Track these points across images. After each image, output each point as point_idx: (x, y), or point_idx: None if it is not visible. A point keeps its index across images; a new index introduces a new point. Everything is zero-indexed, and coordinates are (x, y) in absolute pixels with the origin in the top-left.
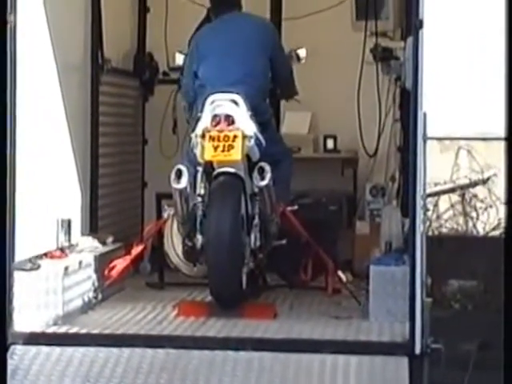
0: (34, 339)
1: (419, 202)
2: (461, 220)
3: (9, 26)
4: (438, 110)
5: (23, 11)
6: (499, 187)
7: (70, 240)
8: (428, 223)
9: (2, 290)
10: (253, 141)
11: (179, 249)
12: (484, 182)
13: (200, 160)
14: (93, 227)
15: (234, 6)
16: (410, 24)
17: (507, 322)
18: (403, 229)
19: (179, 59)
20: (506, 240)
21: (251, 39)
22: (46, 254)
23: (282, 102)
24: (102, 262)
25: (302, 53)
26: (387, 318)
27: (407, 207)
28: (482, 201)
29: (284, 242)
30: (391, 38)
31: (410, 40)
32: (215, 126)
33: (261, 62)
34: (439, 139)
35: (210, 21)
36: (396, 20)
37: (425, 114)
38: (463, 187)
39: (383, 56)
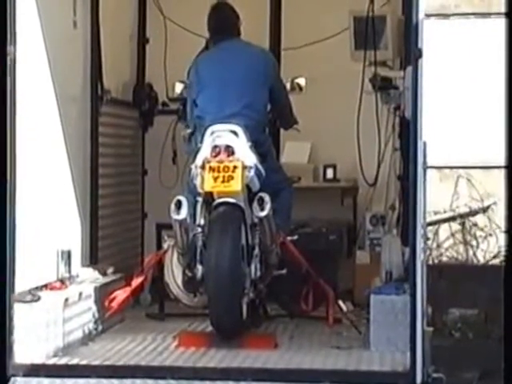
0: (35, 371)
1: (419, 231)
2: (461, 248)
3: (9, 57)
4: (437, 138)
5: (23, 42)
6: (499, 215)
7: (70, 271)
8: (428, 252)
9: (3, 321)
10: (253, 171)
11: (179, 279)
12: (484, 210)
13: (200, 190)
14: (93, 258)
15: (234, 33)
16: (409, 53)
17: (507, 349)
18: (403, 258)
19: (179, 88)
20: (506, 268)
21: (251, 70)
22: (46, 286)
23: (282, 132)
24: (103, 293)
25: (301, 82)
26: (388, 347)
27: (407, 236)
28: (482, 229)
29: (284, 271)
30: (390, 67)
31: (409, 69)
32: (215, 156)
33: (260, 93)
34: (439, 168)
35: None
36: (395, 49)
37: (424, 143)
38: (463, 216)
39: (382, 85)
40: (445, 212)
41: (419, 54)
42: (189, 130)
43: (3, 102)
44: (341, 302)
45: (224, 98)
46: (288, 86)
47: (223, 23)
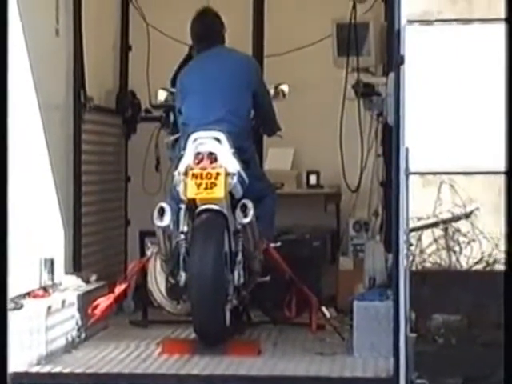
0: (18, 379)
1: (402, 237)
2: (444, 254)
3: None
4: (419, 144)
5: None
6: (482, 221)
7: (53, 279)
8: (411, 258)
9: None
10: (235, 178)
11: (163, 286)
12: (467, 216)
13: (183, 197)
14: (76, 266)
15: (218, 41)
16: (392, 60)
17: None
18: (387, 264)
19: (162, 96)
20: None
21: (234, 76)
22: (28, 294)
23: (265, 138)
24: (86, 301)
25: (285, 88)
26: (371, 353)
27: (390, 242)
28: (465, 235)
29: (267, 278)
30: (373, 73)
31: (391, 75)
32: (198, 163)
33: (244, 99)
34: (421, 174)
35: (191, 58)
36: (378, 56)
37: (407, 149)
38: (446, 221)
39: (365, 92)
40: (428, 218)
41: (401, 61)
42: (172, 137)
43: None
44: (324, 309)
45: (207, 104)
46: (272, 92)
47: (207, 30)
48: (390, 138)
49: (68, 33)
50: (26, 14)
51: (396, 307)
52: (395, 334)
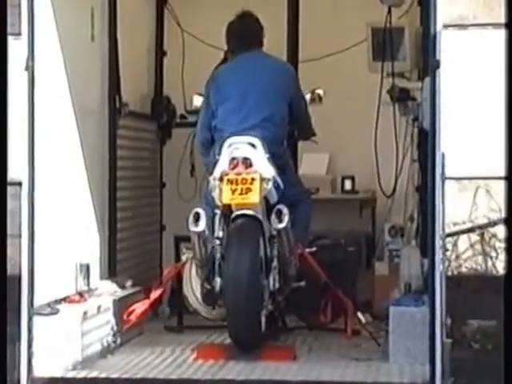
0: None
1: (438, 242)
2: (480, 260)
3: (28, 71)
4: (455, 149)
5: (41, 56)
6: None
7: (88, 284)
8: (447, 263)
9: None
10: (271, 183)
11: (198, 292)
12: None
13: (218, 203)
14: (111, 271)
15: (256, 44)
16: (427, 64)
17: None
18: (422, 269)
19: (197, 101)
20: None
21: (271, 82)
22: (64, 299)
23: (300, 144)
24: (121, 306)
25: (321, 93)
26: (407, 359)
27: (426, 247)
28: (501, 240)
29: (303, 283)
30: (408, 78)
31: (427, 80)
32: (233, 168)
33: (279, 106)
34: (457, 179)
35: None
36: (413, 60)
37: (443, 154)
38: (482, 227)
39: (400, 97)
40: (463, 223)
41: (437, 65)
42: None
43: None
44: (359, 314)
45: (243, 110)
46: (308, 97)
47: (247, 33)
48: (425, 143)
49: (103, 38)
50: (62, 20)
51: (432, 313)
52: (431, 340)
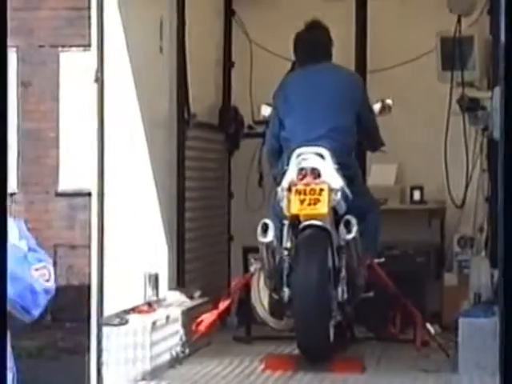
0: None
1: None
2: None
3: (97, 83)
4: None
5: (110, 68)
6: None
7: (157, 294)
8: None
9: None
10: (339, 194)
11: (266, 302)
12: None
13: (286, 213)
14: (180, 281)
15: (325, 56)
16: (497, 73)
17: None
18: (492, 280)
19: (265, 111)
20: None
21: (339, 93)
22: (133, 309)
23: (368, 154)
24: (190, 317)
25: (390, 103)
26: (477, 371)
27: (496, 258)
28: None
29: (371, 294)
30: (478, 87)
31: (497, 89)
32: (301, 179)
33: (347, 117)
34: None
35: None
36: (482, 70)
37: None
38: None
39: (470, 106)
40: None
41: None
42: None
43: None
44: (429, 325)
45: (311, 120)
46: (378, 106)
47: (316, 44)
48: (495, 153)
49: (171, 49)
50: (130, 32)
51: (502, 323)
52: (501, 351)
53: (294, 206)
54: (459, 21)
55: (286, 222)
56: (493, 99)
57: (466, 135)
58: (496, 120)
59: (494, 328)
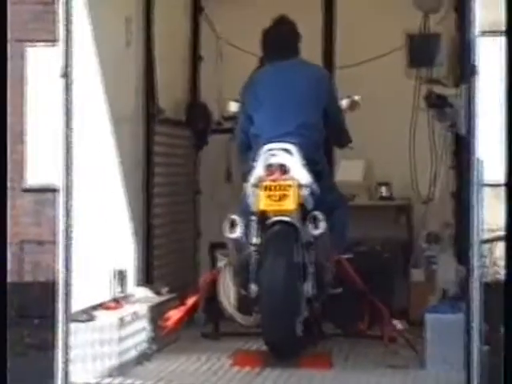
0: None
1: (475, 249)
2: None
3: (64, 78)
4: (492, 156)
5: (77, 63)
6: None
7: (125, 291)
8: (484, 270)
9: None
10: (307, 190)
11: (233, 298)
12: None
13: (254, 209)
14: (147, 277)
15: (293, 52)
16: (464, 71)
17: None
18: (459, 276)
19: (233, 107)
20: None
21: (307, 89)
22: (100, 305)
23: (336, 150)
24: (157, 313)
25: (358, 99)
26: (444, 366)
27: (463, 254)
28: None
29: (339, 290)
30: (445, 84)
31: (464, 86)
32: (269, 175)
33: (315, 112)
34: (494, 185)
35: None
36: (450, 67)
37: (480, 161)
38: None
39: (437, 103)
40: (500, 229)
41: (474, 71)
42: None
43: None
44: (396, 321)
45: (279, 116)
46: (345, 102)
47: (284, 40)
48: (462, 150)
49: (139, 45)
50: (97, 26)
51: (468, 319)
52: (467, 347)
53: (261, 201)
54: (426, 18)
55: (254, 218)
56: (460, 96)
57: (433, 132)
58: (463, 117)
59: (461, 324)
